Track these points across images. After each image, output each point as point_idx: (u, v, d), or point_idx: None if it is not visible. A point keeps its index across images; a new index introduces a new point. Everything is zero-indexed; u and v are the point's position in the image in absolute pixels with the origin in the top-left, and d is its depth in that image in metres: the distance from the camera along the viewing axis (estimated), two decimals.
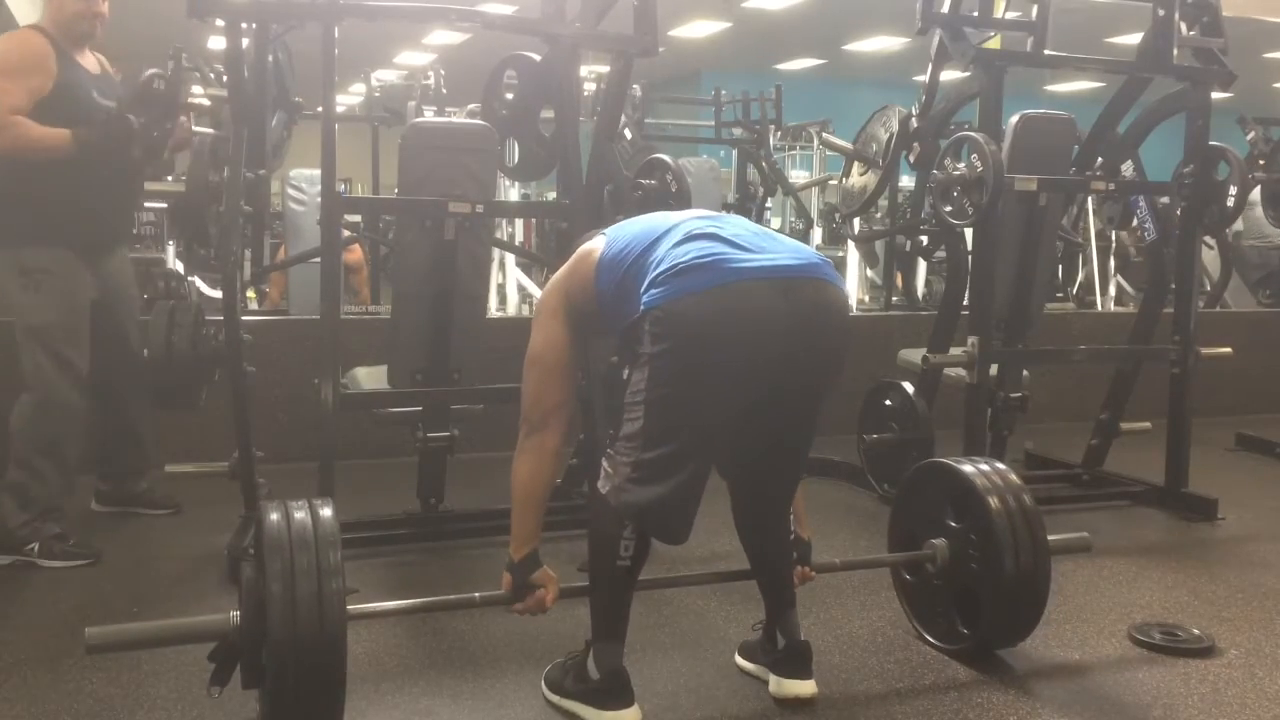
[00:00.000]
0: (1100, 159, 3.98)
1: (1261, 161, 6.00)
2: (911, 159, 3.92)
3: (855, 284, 7.39)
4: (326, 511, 2.08)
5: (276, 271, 6.57)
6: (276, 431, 3.87)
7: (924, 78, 3.78)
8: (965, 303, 3.73)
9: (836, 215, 7.47)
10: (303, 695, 1.92)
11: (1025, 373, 4.07)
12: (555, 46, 3.25)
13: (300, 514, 2.04)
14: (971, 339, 3.55)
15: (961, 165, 3.39)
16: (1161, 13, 3.65)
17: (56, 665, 2.43)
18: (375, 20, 3.05)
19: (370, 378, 3.37)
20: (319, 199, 3.55)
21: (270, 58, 3.14)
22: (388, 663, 2.50)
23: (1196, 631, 2.70)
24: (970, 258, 3.74)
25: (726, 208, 7.14)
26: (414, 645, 2.60)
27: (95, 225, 3.28)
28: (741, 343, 2.02)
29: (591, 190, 3.32)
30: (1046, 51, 3.52)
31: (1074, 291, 7.54)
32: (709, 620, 2.78)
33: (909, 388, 3.94)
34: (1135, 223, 4.22)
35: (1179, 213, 3.81)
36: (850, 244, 7.29)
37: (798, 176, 9.37)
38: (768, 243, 2.12)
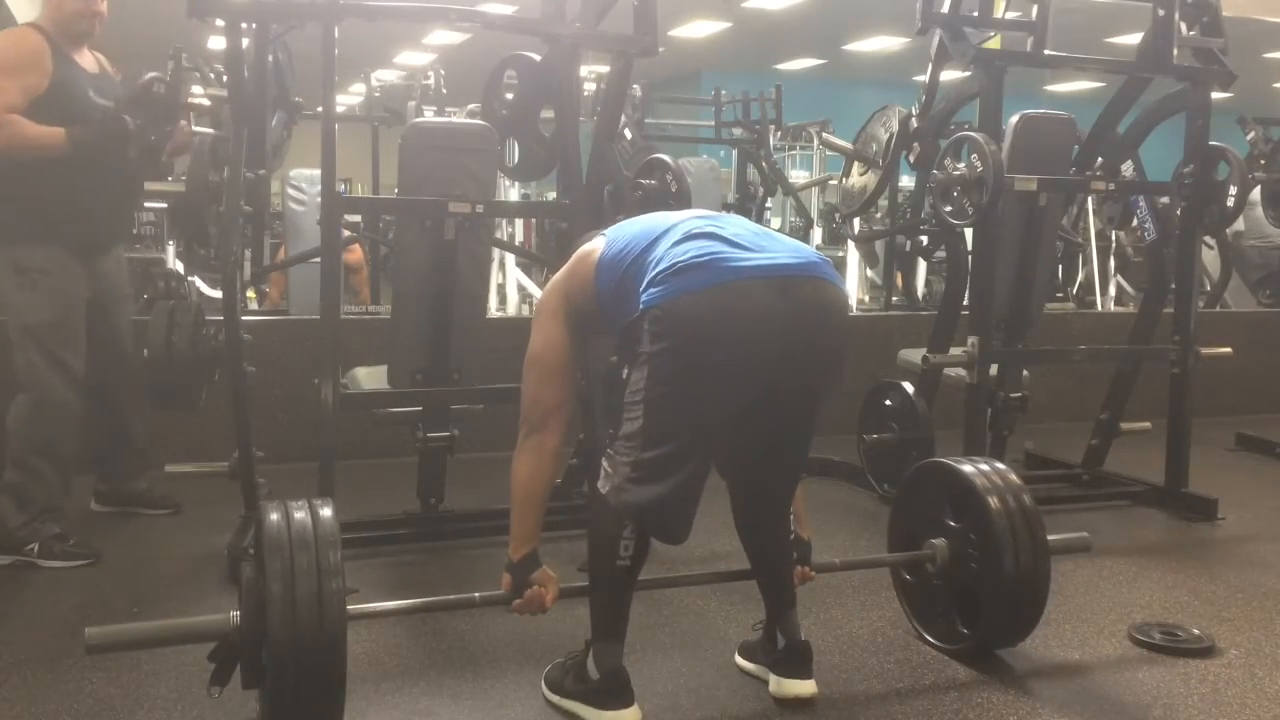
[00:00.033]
0: (1100, 159, 3.98)
1: (1262, 161, 6.00)
2: (911, 159, 3.92)
3: (855, 284, 7.38)
4: (326, 511, 2.08)
5: (276, 271, 6.57)
6: (276, 431, 3.87)
7: (924, 78, 3.78)
8: (965, 303, 3.73)
9: (836, 215, 7.47)
10: (303, 695, 1.92)
11: (1025, 373, 4.07)
12: (555, 46, 3.25)
13: (300, 514, 2.04)
14: (971, 339, 3.55)
15: (961, 165, 3.39)
16: (1161, 13, 3.65)
17: (56, 665, 2.43)
18: (375, 20, 3.05)
19: (370, 378, 3.36)
20: (319, 199, 3.54)
21: (270, 58, 3.14)
22: (388, 663, 2.50)
23: (1196, 631, 2.70)
24: (970, 258, 3.74)
25: (726, 208, 7.13)
26: (414, 645, 2.60)
27: (91, 224, 3.27)
28: (740, 342, 2.02)
29: (591, 190, 3.32)
30: (1046, 51, 3.52)
31: (1074, 291, 7.53)
32: (709, 620, 2.77)
33: (909, 388, 3.94)
34: (1135, 223, 4.21)
35: (1179, 213, 3.81)
36: (850, 244, 7.29)
37: (798, 176, 9.37)
38: (767, 242, 2.12)
